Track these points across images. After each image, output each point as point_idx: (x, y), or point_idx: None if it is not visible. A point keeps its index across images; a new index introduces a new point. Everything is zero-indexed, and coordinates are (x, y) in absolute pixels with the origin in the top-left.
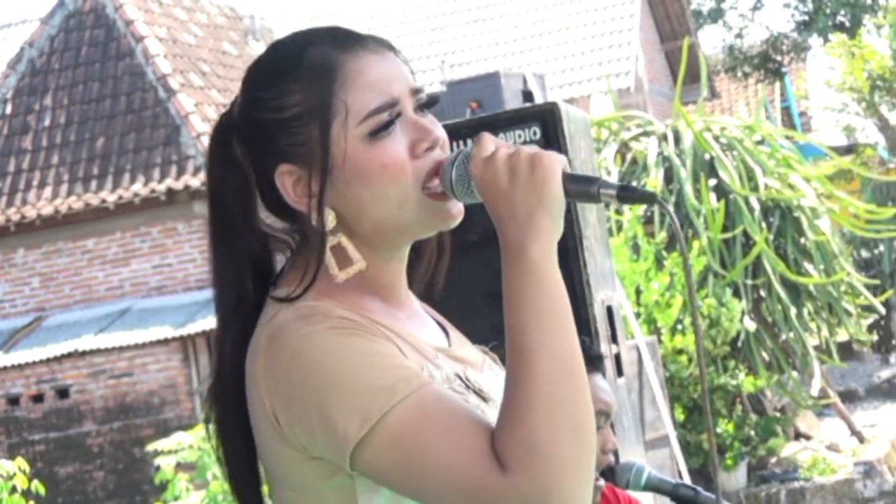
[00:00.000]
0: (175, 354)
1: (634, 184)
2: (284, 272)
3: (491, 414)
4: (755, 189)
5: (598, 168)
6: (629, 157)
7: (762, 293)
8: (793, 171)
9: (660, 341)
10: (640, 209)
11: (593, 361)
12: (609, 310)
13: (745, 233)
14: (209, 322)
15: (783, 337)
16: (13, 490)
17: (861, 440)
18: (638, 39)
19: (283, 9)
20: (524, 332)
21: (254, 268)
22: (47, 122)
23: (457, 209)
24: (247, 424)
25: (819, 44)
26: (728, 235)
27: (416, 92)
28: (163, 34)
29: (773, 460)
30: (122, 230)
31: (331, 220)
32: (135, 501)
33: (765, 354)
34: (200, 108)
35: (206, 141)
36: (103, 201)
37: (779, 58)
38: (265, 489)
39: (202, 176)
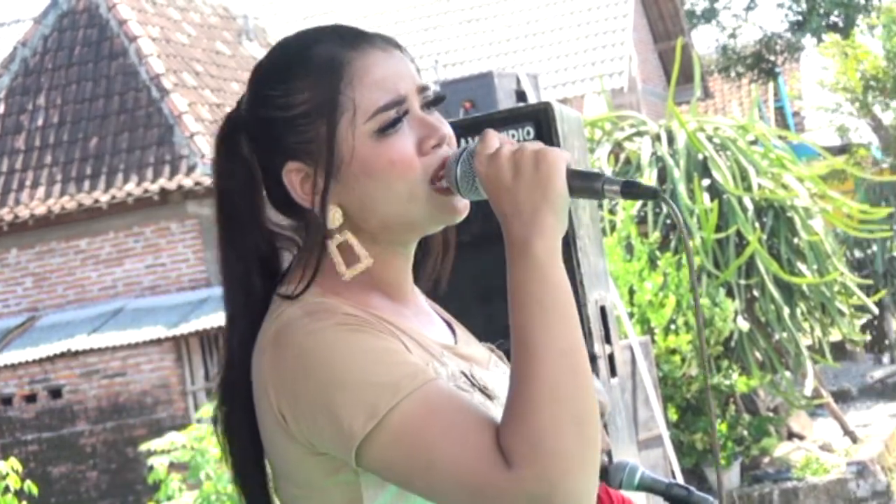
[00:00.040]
0: (168, 354)
1: None
2: (291, 269)
3: (496, 412)
4: (748, 189)
5: (591, 168)
6: (623, 157)
7: (755, 293)
8: (786, 171)
9: (653, 341)
10: (634, 209)
11: None
12: (602, 310)
13: (738, 233)
14: (202, 322)
15: (776, 337)
16: (6, 490)
17: (854, 440)
18: (631, 39)
19: (276, 9)
20: (528, 328)
21: (261, 265)
22: (40, 122)
23: (462, 204)
24: (253, 421)
25: (812, 44)
26: (721, 235)
27: (422, 89)
28: (156, 34)
29: (767, 460)
30: (115, 230)
31: (338, 217)
32: (128, 501)
33: (758, 354)
34: (194, 107)
35: (199, 141)
36: (96, 201)
37: (772, 58)
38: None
39: (195, 176)
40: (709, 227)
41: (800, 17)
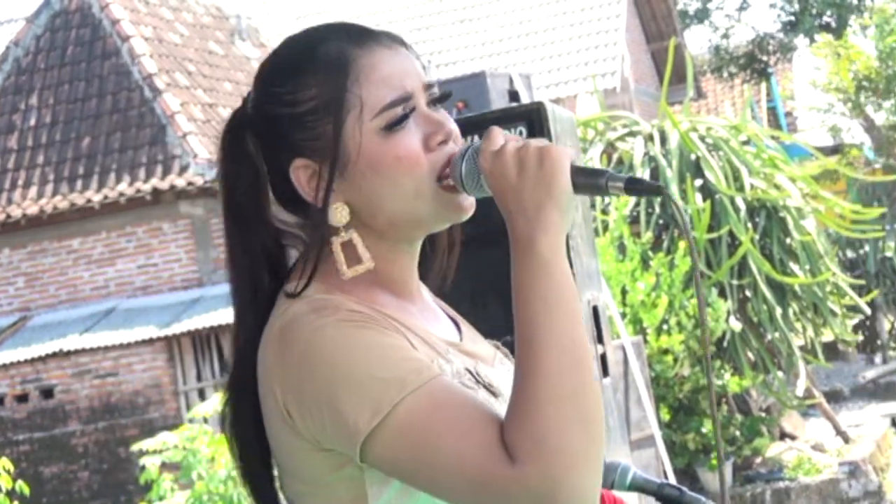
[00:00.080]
0: (160, 354)
1: None
2: (296, 266)
3: (501, 409)
4: (741, 189)
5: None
6: (615, 157)
7: (748, 293)
8: (778, 171)
9: (645, 341)
10: (627, 209)
11: None
12: (595, 310)
13: (730, 233)
14: (194, 322)
15: (768, 337)
16: None
17: (846, 440)
18: (624, 40)
19: (269, 9)
20: (533, 325)
21: (268, 263)
22: (33, 122)
23: (468, 202)
24: (260, 418)
25: (805, 44)
26: (714, 235)
27: (428, 87)
28: (149, 34)
29: (759, 460)
30: (107, 230)
31: (345, 214)
32: (119, 501)
33: (750, 354)
34: (186, 107)
35: (191, 140)
36: (89, 201)
37: (765, 58)
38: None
39: (188, 176)
40: (701, 227)
41: (792, 18)
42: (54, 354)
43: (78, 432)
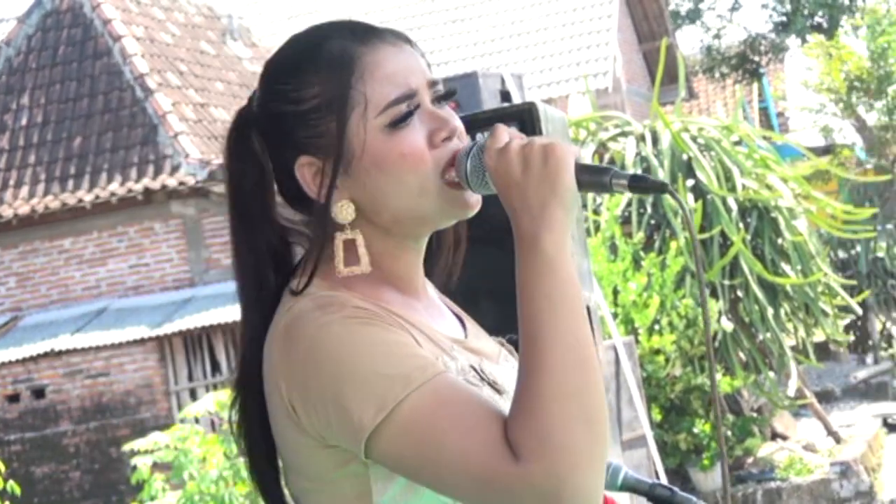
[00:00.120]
0: (152, 354)
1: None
2: (301, 264)
3: (505, 406)
4: (733, 189)
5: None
6: (607, 157)
7: (739, 293)
8: (770, 171)
9: (637, 341)
10: (618, 209)
11: None
12: (587, 310)
13: (722, 233)
14: (186, 322)
15: (760, 337)
16: None
17: (837, 440)
18: (616, 40)
19: (260, 9)
20: (537, 322)
21: (274, 260)
22: (24, 122)
23: (474, 199)
24: (266, 415)
25: (797, 45)
26: (705, 236)
27: (433, 84)
28: (140, 33)
29: (750, 460)
30: (98, 230)
31: (350, 212)
32: (111, 501)
33: (742, 355)
34: (178, 107)
35: (183, 140)
36: (80, 201)
37: (756, 58)
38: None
39: (179, 175)
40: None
41: (784, 18)
42: (46, 354)
43: (69, 432)
